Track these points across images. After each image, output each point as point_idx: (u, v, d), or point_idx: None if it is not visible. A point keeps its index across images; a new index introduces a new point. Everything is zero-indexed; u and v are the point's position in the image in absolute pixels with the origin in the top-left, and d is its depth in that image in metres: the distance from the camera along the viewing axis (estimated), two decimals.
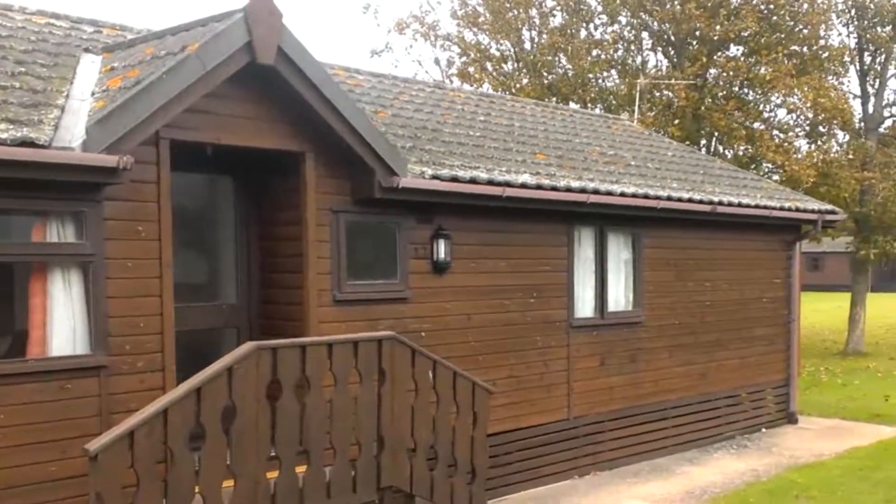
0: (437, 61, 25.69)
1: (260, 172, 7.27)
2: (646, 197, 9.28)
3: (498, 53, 24.28)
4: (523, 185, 8.16)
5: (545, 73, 22.91)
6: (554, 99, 22.35)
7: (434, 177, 7.54)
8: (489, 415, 6.89)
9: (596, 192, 8.78)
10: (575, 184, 8.72)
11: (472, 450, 6.61)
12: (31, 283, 5.69)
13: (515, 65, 24.22)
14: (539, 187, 8.29)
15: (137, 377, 6.00)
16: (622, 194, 9.05)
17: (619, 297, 9.70)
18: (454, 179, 7.65)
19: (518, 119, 11.40)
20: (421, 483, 6.24)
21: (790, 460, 9.83)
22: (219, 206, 7.40)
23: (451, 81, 24.45)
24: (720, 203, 10.12)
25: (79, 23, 8.09)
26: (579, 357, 9.17)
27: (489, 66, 24.63)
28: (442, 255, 7.85)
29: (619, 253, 9.70)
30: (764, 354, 11.67)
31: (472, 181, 7.77)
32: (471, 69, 24.71)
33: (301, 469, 5.65)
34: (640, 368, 9.83)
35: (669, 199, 9.51)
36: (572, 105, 20.85)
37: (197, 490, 5.16)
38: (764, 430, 11.51)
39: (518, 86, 22.94)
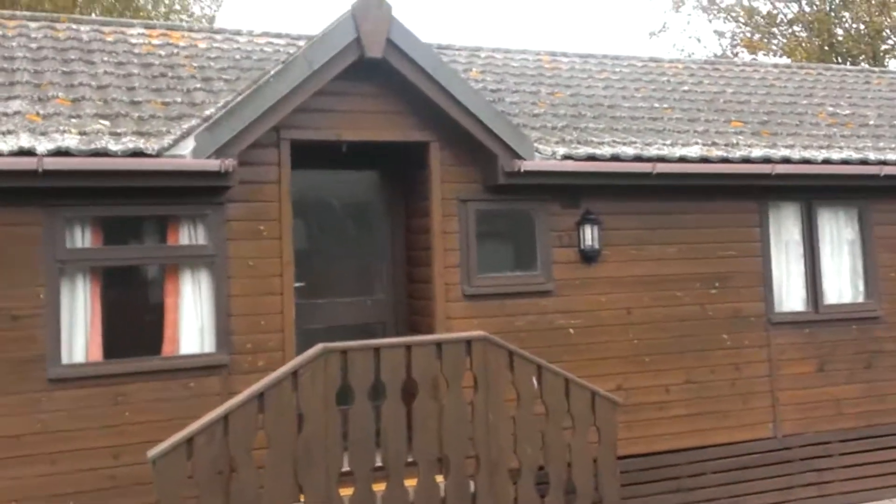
0: (717, 34, 23.96)
1: (400, 165, 7.08)
2: (863, 163, 7.52)
3: (784, 16, 22.00)
4: (682, 160, 7.00)
5: (827, 33, 20.27)
6: (838, 59, 19.72)
7: (567, 157, 6.75)
8: (617, 432, 5.90)
9: (787, 160, 7.29)
10: (758, 153, 7.32)
11: (595, 474, 5.70)
12: (165, 284, 6.03)
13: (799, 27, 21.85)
14: (705, 160, 7.06)
15: (258, 376, 5.91)
16: (826, 161, 7.42)
17: (842, 286, 7.96)
18: (591, 158, 6.77)
19: (737, 85, 9.92)
20: None
21: None
22: (368, 202, 7.33)
23: (735, 54, 22.71)
24: None
25: (297, 39, 8.19)
26: (785, 360, 7.63)
27: (776, 31, 22.45)
28: (589, 241, 6.99)
29: (839, 232, 7.98)
30: None
31: (615, 158, 6.83)
32: (756, 36, 22.69)
33: (379, 486, 5.22)
34: (880, 377, 7.91)
35: None
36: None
37: None
38: None
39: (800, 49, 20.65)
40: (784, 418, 7.59)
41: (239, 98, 6.17)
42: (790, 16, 22.36)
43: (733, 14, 23.00)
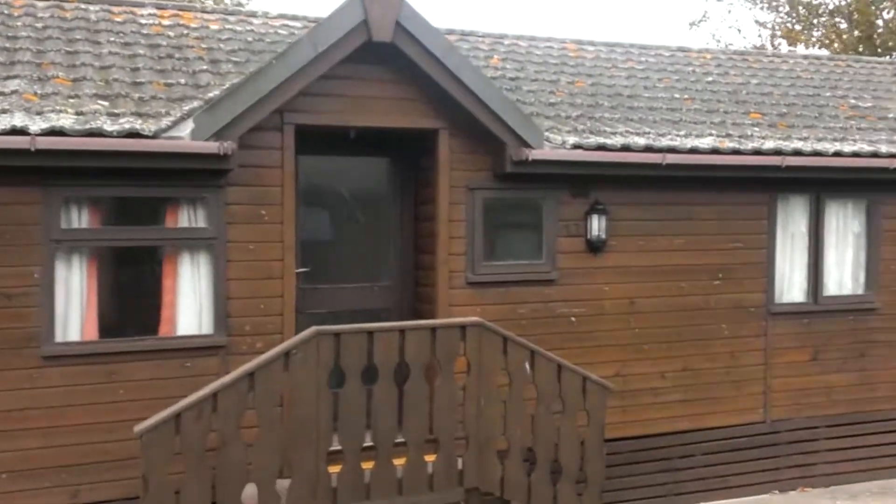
0: (758, 23, 23.44)
1: (410, 153, 7.03)
2: (874, 156, 7.41)
3: (826, 6, 21.64)
4: (693, 151, 6.94)
5: (867, 24, 19.97)
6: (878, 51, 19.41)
7: (576, 146, 6.69)
8: (605, 415, 5.95)
9: (798, 153, 7.20)
10: (770, 145, 7.24)
11: (582, 455, 5.75)
12: (164, 266, 6.00)
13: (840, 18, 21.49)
14: (715, 152, 6.99)
15: (256, 357, 5.99)
16: (836, 154, 7.32)
17: (843, 278, 7.95)
18: (601, 148, 6.72)
19: (762, 77, 9.65)
20: (515, 487, 5.56)
21: None
22: (377, 189, 7.26)
23: (774, 46, 22.30)
24: None
25: (314, 22, 7.86)
26: (781, 349, 7.67)
27: (817, 22, 22.06)
28: (596, 231, 6.96)
29: (846, 225, 7.93)
30: None
31: (625, 149, 6.77)
32: (797, 27, 22.27)
33: (368, 465, 5.29)
34: (872, 366, 7.98)
35: None
36: None
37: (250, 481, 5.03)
38: None
39: (837, 42, 20.31)
40: (775, 404, 7.69)
41: (241, 80, 6.14)
42: (831, 6, 21.94)
43: (775, 3, 22.59)
